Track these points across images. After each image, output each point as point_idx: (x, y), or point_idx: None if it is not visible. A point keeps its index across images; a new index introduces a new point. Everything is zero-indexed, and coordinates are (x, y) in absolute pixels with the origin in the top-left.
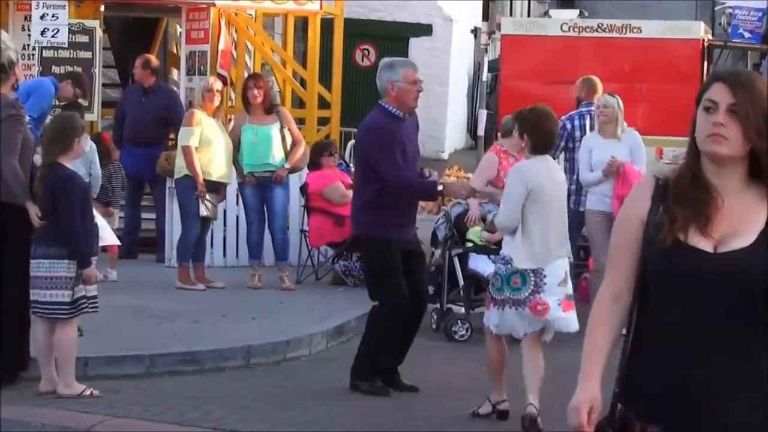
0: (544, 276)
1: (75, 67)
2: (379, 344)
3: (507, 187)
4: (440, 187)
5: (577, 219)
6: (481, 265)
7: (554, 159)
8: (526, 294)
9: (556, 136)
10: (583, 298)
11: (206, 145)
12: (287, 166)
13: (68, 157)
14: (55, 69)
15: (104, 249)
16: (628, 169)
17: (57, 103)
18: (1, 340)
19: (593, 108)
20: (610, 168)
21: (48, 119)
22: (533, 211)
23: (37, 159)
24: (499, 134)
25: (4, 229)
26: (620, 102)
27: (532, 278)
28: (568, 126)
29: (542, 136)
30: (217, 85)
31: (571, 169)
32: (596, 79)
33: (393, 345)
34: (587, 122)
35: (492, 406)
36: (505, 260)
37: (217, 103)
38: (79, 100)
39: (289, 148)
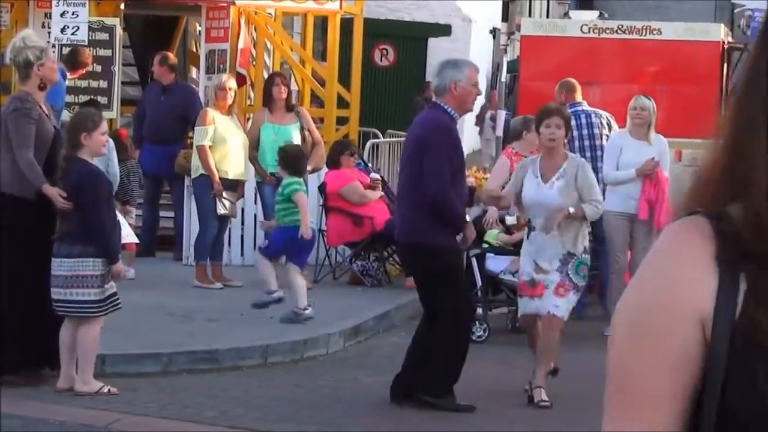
0: None
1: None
2: (460, 355)
3: (593, 180)
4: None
5: None
6: (499, 266)
7: None
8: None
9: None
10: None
11: (221, 144)
12: (309, 167)
13: (85, 153)
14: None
15: (122, 246)
16: (660, 174)
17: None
18: (5, 333)
19: (579, 108)
20: (646, 168)
21: (64, 113)
22: None
23: None
24: (525, 136)
25: (13, 222)
26: (654, 105)
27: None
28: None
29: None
30: (230, 83)
31: None
32: (573, 80)
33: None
34: (583, 120)
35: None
36: (574, 253)
37: (230, 101)
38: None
39: (309, 148)
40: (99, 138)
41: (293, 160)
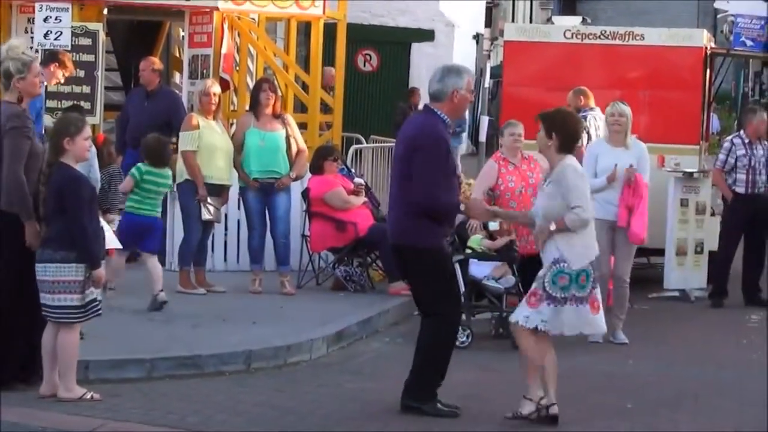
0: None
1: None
2: (445, 360)
3: (578, 185)
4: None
5: None
6: (482, 272)
7: None
8: (589, 290)
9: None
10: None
11: (206, 149)
12: (293, 175)
13: (68, 158)
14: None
15: (106, 252)
16: (639, 179)
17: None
18: None
19: (595, 113)
20: (612, 175)
21: (47, 118)
22: (589, 199)
23: None
24: (501, 141)
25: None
26: (630, 111)
27: (592, 274)
28: None
29: (571, 135)
30: (215, 88)
31: None
32: (586, 88)
33: (448, 360)
34: (591, 125)
35: (535, 404)
36: (563, 259)
37: (215, 106)
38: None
39: (294, 155)
40: (82, 143)
41: (153, 151)
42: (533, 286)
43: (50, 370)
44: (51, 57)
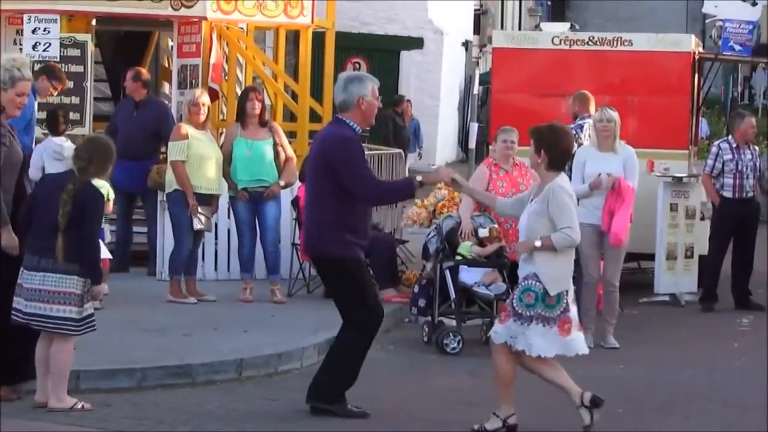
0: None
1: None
2: (356, 367)
3: (568, 205)
4: (419, 178)
5: None
6: (472, 278)
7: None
8: (558, 312)
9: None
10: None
11: (195, 158)
12: (282, 183)
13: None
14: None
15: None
16: (623, 184)
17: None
18: None
19: (590, 120)
20: (595, 183)
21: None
22: (577, 221)
23: (35, 175)
24: (491, 147)
25: None
26: (618, 116)
27: (565, 297)
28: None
29: (561, 153)
30: (204, 98)
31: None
32: (588, 93)
33: (359, 366)
34: (585, 134)
35: (502, 421)
36: (534, 277)
37: (204, 116)
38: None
39: (282, 164)
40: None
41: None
42: (506, 302)
43: (44, 378)
44: (45, 71)
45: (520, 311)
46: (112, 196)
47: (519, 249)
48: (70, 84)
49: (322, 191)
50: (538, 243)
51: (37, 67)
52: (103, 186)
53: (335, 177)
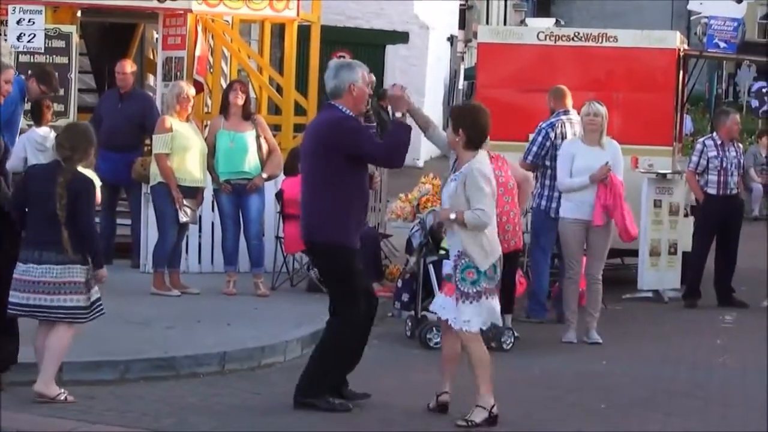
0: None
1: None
2: (341, 358)
3: (483, 188)
4: (399, 114)
5: (556, 227)
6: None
7: (539, 166)
8: (498, 280)
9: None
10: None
11: (180, 151)
12: (264, 175)
13: (82, 165)
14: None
15: None
16: (614, 179)
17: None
18: None
19: (571, 116)
20: (600, 174)
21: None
22: (492, 203)
23: (16, 165)
24: None
25: None
26: (606, 111)
27: (499, 264)
28: (551, 134)
29: (478, 132)
30: (192, 91)
31: (554, 176)
32: (564, 87)
33: (350, 357)
34: (567, 129)
35: (488, 412)
36: (468, 255)
37: (190, 108)
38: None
39: (265, 156)
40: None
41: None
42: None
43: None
44: (37, 74)
45: (464, 290)
46: (98, 183)
47: (441, 216)
48: (46, 67)
49: (322, 178)
50: (452, 216)
51: (20, 58)
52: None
53: (337, 160)
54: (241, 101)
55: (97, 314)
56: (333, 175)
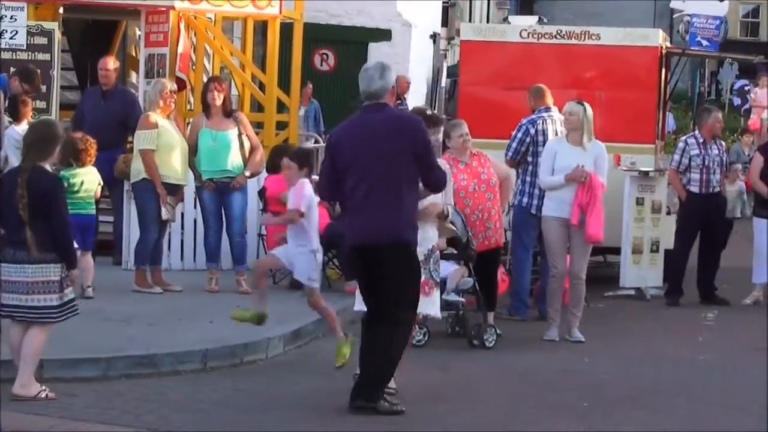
0: None
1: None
2: (398, 360)
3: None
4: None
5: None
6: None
7: (522, 162)
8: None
9: None
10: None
11: (164, 148)
12: (247, 173)
13: (47, 162)
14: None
15: None
16: (594, 181)
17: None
18: None
19: (552, 113)
20: (574, 175)
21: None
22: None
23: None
24: (448, 143)
25: None
26: (588, 110)
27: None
28: (532, 131)
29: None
30: (173, 87)
31: (535, 172)
32: (543, 86)
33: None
34: (549, 126)
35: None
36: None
37: (173, 105)
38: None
39: (247, 153)
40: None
41: (76, 152)
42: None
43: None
44: (20, 73)
45: (438, 279)
46: (98, 180)
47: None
48: (30, 66)
49: (407, 177)
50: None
51: (2, 55)
52: (92, 172)
53: (414, 163)
54: (219, 101)
55: (70, 314)
56: (410, 176)
